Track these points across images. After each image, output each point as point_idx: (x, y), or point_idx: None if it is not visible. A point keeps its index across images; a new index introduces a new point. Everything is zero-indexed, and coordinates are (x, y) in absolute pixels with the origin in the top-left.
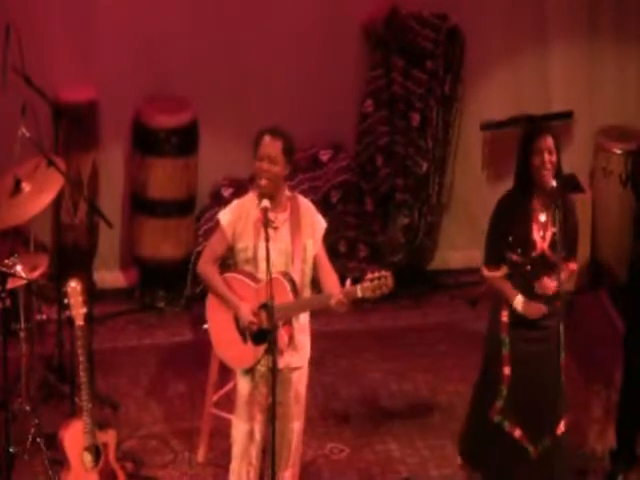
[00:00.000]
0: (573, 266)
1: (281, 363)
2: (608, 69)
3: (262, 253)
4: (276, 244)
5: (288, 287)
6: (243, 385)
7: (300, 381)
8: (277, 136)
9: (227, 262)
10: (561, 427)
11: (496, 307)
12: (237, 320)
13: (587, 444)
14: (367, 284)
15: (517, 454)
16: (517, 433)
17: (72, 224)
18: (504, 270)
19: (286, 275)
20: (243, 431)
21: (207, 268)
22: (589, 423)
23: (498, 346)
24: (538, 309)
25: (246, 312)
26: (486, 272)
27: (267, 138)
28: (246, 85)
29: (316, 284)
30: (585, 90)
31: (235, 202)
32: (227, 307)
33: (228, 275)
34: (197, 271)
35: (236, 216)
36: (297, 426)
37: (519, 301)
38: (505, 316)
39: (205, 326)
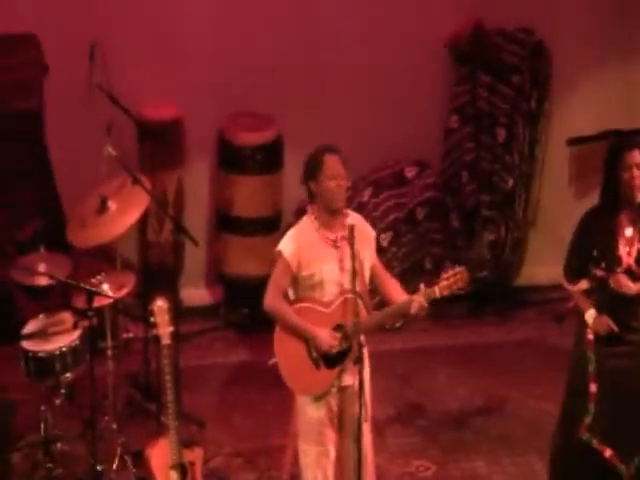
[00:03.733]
0: None
1: (351, 379)
2: None
3: (328, 276)
4: (340, 263)
5: (361, 304)
6: (313, 410)
7: (369, 394)
8: (335, 152)
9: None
10: None
11: (582, 323)
12: (309, 348)
13: None
14: (444, 283)
15: (608, 475)
16: (607, 452)
17: (158, 242)
18: (584, 284)
19: (356, 293)
20: (315, 454)
21: (276, 302)
22: None
23: (584, 363)
24: (606, 325)
25: (326, 337)
26: (566, 284)
27: (330, 156)
28: (330, 102)
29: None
30: None
31: (294, 230)
32: (298, 338)
33: (297, 306)
34: (265, 308)
35: (299, 246)
36: (370, 439)
37: (590, 315)
38: (591, 333)
39: (272, 361)
